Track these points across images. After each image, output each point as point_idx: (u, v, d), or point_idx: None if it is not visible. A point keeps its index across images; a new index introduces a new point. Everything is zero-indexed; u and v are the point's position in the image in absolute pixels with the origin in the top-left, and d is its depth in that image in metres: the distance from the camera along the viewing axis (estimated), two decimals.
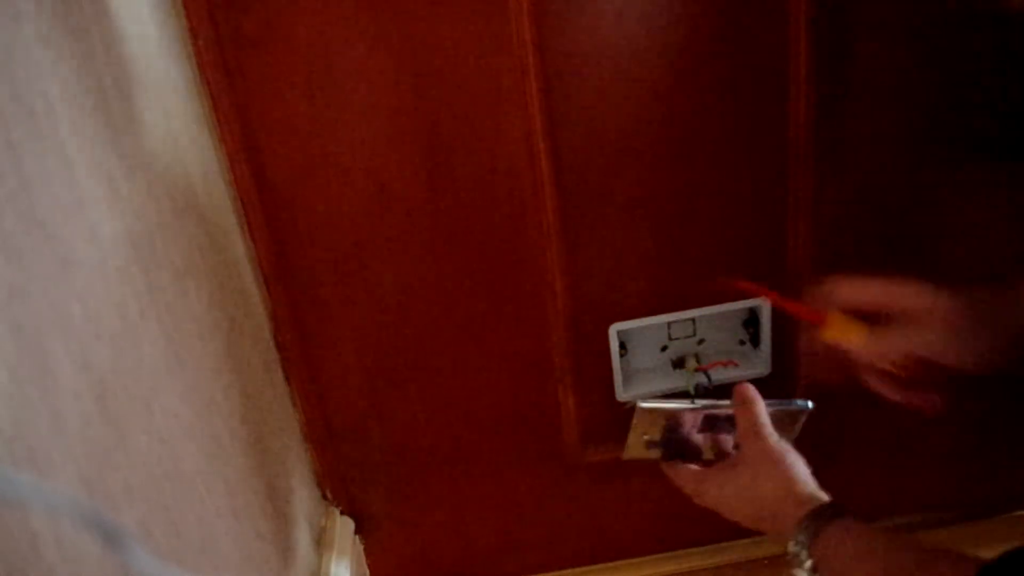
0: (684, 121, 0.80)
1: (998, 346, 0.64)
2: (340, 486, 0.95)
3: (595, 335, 0.89)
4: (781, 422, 0.74)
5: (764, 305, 0.88)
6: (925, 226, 0.86)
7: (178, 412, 0.57)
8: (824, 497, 0.66)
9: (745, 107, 0.80)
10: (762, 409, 0.73)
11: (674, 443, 0.78)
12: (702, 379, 0.89)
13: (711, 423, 0.77)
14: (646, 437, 0.78)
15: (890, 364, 0.68)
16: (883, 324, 0.67)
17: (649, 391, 0.91)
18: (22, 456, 0.38)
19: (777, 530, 0.67)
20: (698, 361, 0.91)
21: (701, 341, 0.91)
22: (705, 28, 0.77)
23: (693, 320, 0.90)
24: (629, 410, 0.78)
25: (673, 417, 0.77)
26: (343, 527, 0.95)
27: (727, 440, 0.78)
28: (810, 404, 0.77)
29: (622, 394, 0.91)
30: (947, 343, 0.64)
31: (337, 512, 0.95)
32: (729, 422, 0.76)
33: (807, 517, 0.63)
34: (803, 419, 0.77)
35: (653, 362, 0.92)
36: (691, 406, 0.76)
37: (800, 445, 0.78)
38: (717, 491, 0.72)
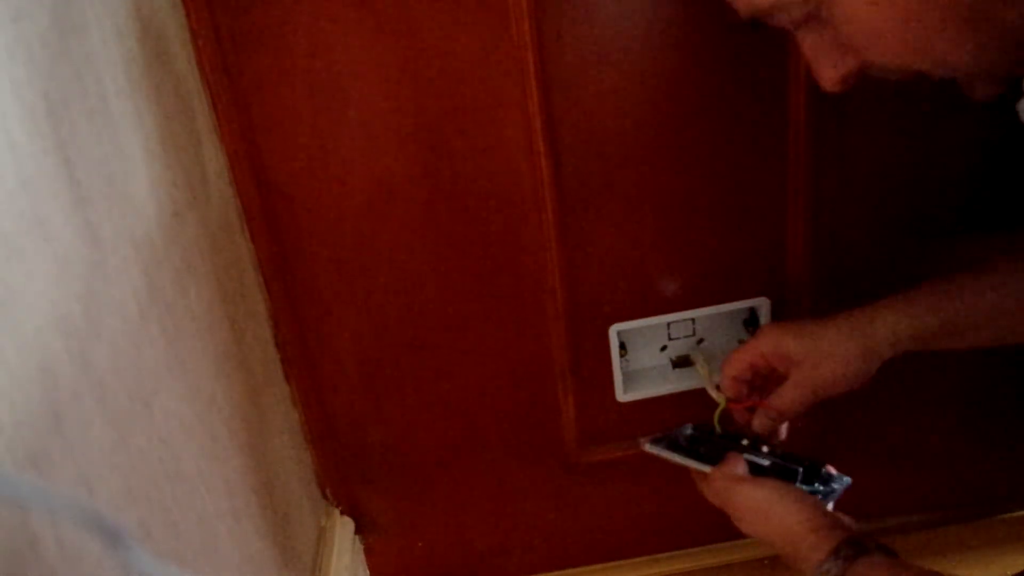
0: (684, 121, 0.80)
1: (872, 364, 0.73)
2: (340, 486, 0.95)
3: (595, 335, 0.89)
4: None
5: (764, 305, 0.88)
6: (926, 227, 0.86)
7: (178, 412, 0.58)
8: (842, 529, 0.63)
9: (745, 107, 0.80)
10: (732, 468, 0.71)
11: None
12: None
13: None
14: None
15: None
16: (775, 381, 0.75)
17: (649, 392, 0.91)
18: (22, 456, 0.38)
19: (799, 570, 0.64)
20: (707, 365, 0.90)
21: (701, 341, 0.91)
22: (705, 29, 0.77)
23: (693, 320, 0.90)
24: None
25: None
26: (343, 527, 0.95)
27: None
28: (847, 479, 0.72)
29: (622, 394, 0.91)
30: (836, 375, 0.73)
31: (337, 512, 0.95)
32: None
33: (828, 558, 0.60)
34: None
35: (653, 362, 0.93)
36: (695, 465, 0.75)
37: (801, 445, 0.78)
38: (732, 514, 0.71)
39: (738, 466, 0.72)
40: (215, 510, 0.61)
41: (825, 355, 0.73)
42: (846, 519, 0.66)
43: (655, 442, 0.79)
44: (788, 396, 0.74)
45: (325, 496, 0.95)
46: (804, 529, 0.63)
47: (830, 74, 0.60)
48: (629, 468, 0.96)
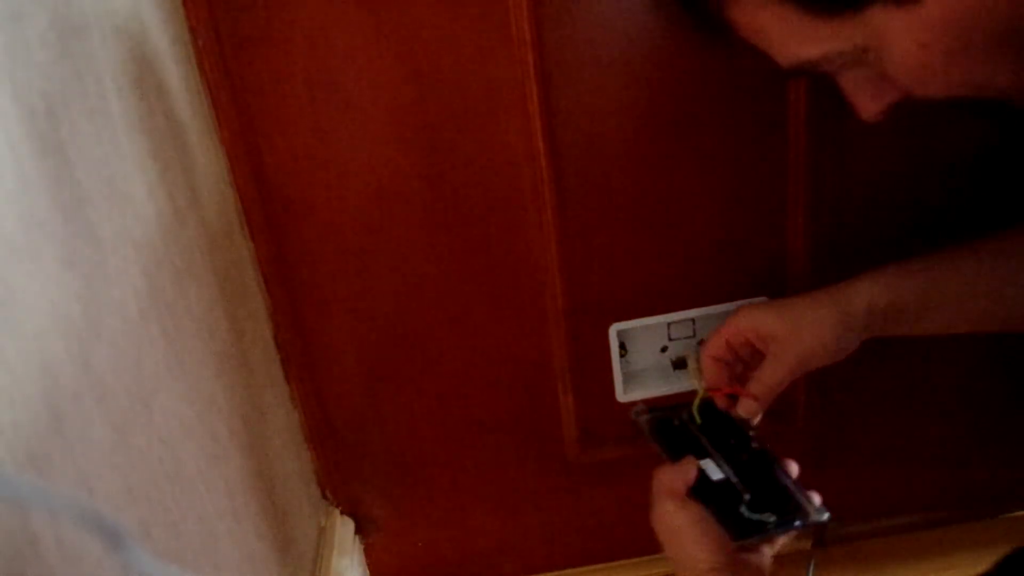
0: (684, 121, 0.80)
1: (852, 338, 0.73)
2: (340, 486, 0.95)
3: (595, 335, 0.89)
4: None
5: None
6: (926, 227, 0.86)
7: (178, 412, 0.58)
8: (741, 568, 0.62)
9: (745, 107, 0.80)
10: (673, 477, 0.69)
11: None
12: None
13: None
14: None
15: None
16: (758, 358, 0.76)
17: (649, 392, 0.91)
18: (22, 456, 0.38)
19: None
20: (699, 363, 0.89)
21: (701, 341, 0.91)
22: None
23: (693, 320, 0.90)
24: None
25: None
26: (343, 527, 0.95)
27: None
28: (822, 517, 0.68)
29: (622, 395, 0.91)
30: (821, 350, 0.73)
31: (337, 512, 0.95)
32: None
33: None
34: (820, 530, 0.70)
35: (653, 362, 0.92)
36: (661, 452, 0.75)
37: (800, 445, 0.78)
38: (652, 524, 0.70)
39: (677, 479, 0.69)
40: (215, 510, 0.62)
41: (803, 326, 0.73)
42: (758, 561, 0.65)
43: (646, 412, 0.78)
44: (768, 373, 0.74)
45: (325, 496, 0.95)
46: (706, 568, 0.63)
47: (871, 107, 0.62)
48: (629, 468, 0.96)
